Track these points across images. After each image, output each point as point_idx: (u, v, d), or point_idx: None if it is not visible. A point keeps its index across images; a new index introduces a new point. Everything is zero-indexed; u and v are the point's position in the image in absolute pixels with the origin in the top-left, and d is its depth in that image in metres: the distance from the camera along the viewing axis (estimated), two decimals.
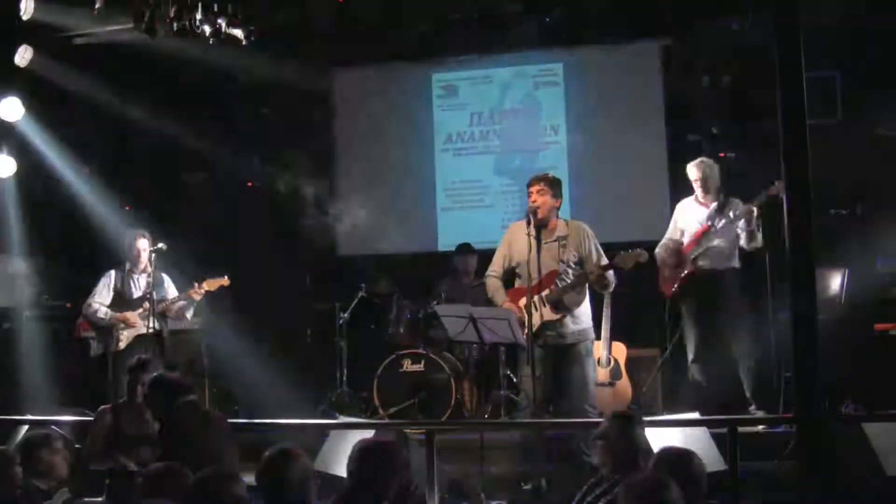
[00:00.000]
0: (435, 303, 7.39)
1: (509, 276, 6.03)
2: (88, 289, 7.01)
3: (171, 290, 7.00)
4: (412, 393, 6.97)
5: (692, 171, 6.51)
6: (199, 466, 3.47)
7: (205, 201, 8.86)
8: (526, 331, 5.51)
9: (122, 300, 6.90)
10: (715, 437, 4.88)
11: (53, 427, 5.19)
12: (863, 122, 7.29)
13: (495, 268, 6.04)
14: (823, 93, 7.43)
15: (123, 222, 7.65)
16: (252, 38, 6.04)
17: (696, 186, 6.49)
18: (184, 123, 7.95)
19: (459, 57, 8.82)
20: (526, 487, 5.60)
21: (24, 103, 7.11)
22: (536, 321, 5.59)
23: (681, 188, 7.12)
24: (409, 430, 5.54)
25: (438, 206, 8.94)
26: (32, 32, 6.85)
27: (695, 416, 5.48)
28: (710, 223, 6.40)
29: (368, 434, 4.69)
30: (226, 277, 6.95)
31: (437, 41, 8.53)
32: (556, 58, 8.74)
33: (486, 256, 6.45)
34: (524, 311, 5.57)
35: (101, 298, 6.89)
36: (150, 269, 6.77)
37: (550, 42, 8.52)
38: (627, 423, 4.03)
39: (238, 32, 5.97)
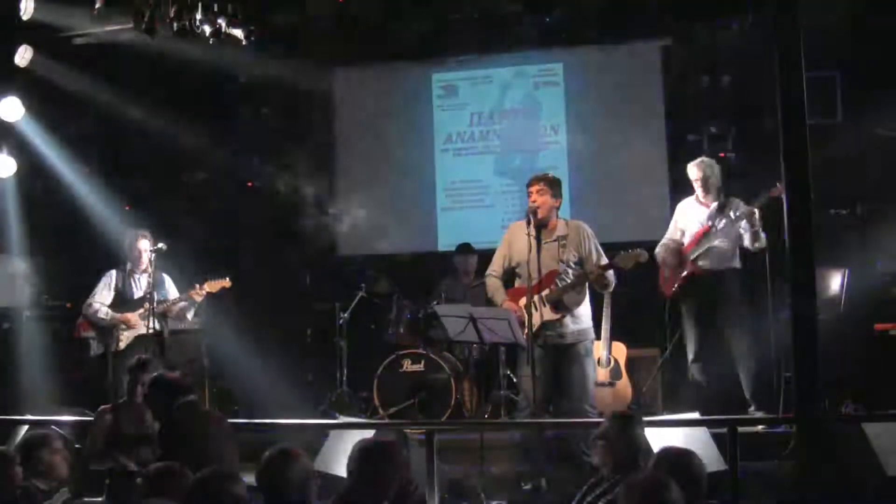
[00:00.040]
0: (435, 303, 7.39)
1: (509, 276, 6.03)
2: (88, 289, 7.01)
3: (171, 291, 7.00)
4: (412, 393, 6.97)
5: (693, 170, 6.51)
6: (199, 466, 3.47)
7: (205, 201, 8.86)
8: (526, 330, 5.51)
9: (122, 300, 6.90)
10: (715, 437, 4.88)
11: (53, 427, 5.19)
12: (863, 122, 7.29)
13: (495, 267, 6.04)
14: (823, 93, 7.43)
15: (123, 222, 7.65)
16: (252, 38, 6.04)
17: (697, 186, 6.49)
18: (184, 123, 7.95)
19: (459, 57, 8.82)
20: (526, 487, 5.61)
21: (24, 103, 7.12)
22: (536, 321, 5.59)
23: (681, 188, 7.12)
24: (409, 430, 5.54)
25: (438, 206, 8.94)
26: (32, 32, 6.85)
27: (695, 416, 5.48)
28: (710, 223, 6.40)
29: (368, 434, 4.69)
30: (227, 279, 6.94)
31: (437, 41, 8.53)
32: (556, 58, 8.75)
33: (486, 256, 6.45)
34: (524, 310, 5.57)
35: (102, 298, 6.89)
36: (150, 270, 6.77)
37: (550, 42, 8.52)
38: (627, 423, 4.04)
39: (238, 32, 5.97)
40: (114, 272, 6.98)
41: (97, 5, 6.05)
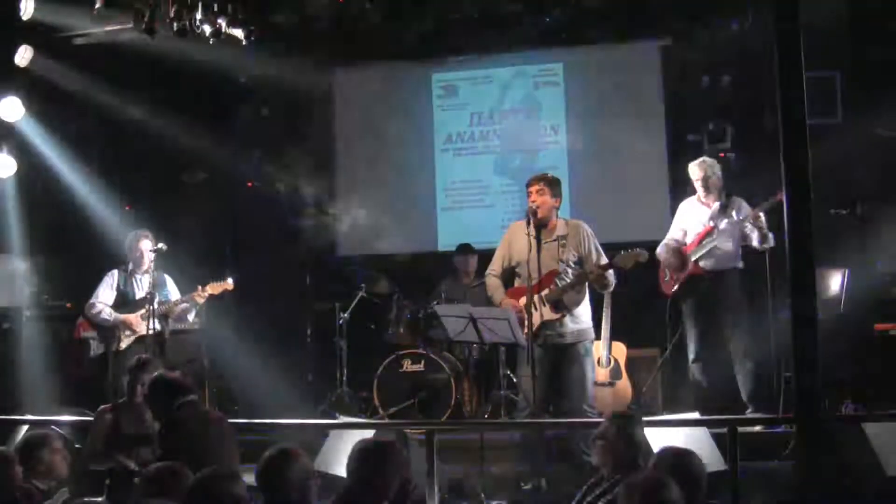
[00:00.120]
0: (435, 303, 7.39)
1: (509, 276, 6.03)
2: (88, 289, 7.01)
3: (172, 291, 7.00)
4: (412, 393, 6.97)
5: (694, 170, 6.50)
6: (199, 466, 3.47)
7: (205, 201, 8.86)
8: (525, 330, 5.51)
9: (124, 301, 6.90)
10: (715, 437, 4.88)
11: (53, 427, 5.19)
12: (863, 122, 7.29)
13: (495, 267, 6.05)
14: (823, 93, 7.43)
15: (123, 222, 7.65)
16: (252, 38, 6.04)
17: (698, 186, 6.48)
18: (184, 123, 7.95)
19: (459, 57, 8.83)
20: (526, 487, 5.61)
21: (24, 103, 7.11)
22: (536, 321, 5.59)
23: (681, 188, 7.12)
24: (409, 430, 5.54)
25: (438, 206, 8.94)
26: (32, 32, 6.85)
27: (695, 416, 5.48)
28: (712, 223, 6.39)
29: (368, 434, 4.69)
30: (230, 281, 6.94)
31: (437, 41, 8.53)
32: (556, 58, 8.75)
33: (486, 256, 6.45)
34: (524, 310, 5.57)
35: (105, 299, 6.90)
36: (151, 270, 6.77)
37: (550, 42, 8.52)
38: (627, 423, 4.04)
39: (238, 32, 5.97)
40: (115, 272, 6.99)
41: (97, 5, 6.05)
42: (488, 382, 7.20)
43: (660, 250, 6.50)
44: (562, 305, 5.75)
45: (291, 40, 7.98)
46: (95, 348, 6.91)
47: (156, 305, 6.62)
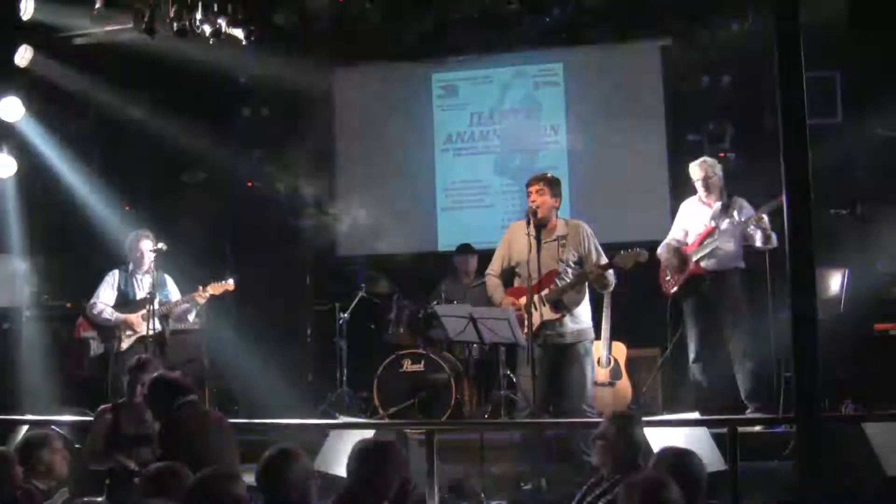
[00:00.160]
0: (435, 303, 7.39)
1: (509, 276, 6.03)
2: (88, 289, 7.01)
3: (173, 291, 7.00)
4: (412, 393, 6.97)
5: (695, 170, 6.50)
6: (199, 466, 3.47)
7: (205, 201, 8.86)
8: (525, 330, 5.51)
9: (124, 301, 6.91)
10: (715, 437, 4.88)
11: (53, 427, 5.19)
12: (863, 122, 7.29)
13: (494, 267, 6.05)
14: (823, 93, 7.43)
15: (123, 222, 7.65)
16: (252, 38, 6.04)
17: (699, 186, 6.48)
18: (184, 123, 7.95)
19: (459, 57, 8.82)
20: (526, 487, 5.60)
21: (24, 103, 7.11)
22: (536, 321, 5.59)
23: (681, 188, 7.12)
24: (409, 430, 5.54)
25: (438, 206, 8.94)
26: (32, 32, 6.85)
27: (695, 416, 5.48)
28: (714, 224, 6.39)
29: (368, 434, 4.69)
30: (231, 281, 6.94)
31: (437, 41, 8.52)
32: (556, 58, 8.75)
33: (486, 256, 6.45)
34: (524, 310, 5.57)
35: (106, 299, 6.90)
36: (152, 270, 6.77)
37: (550, 42, 8.51)
38: (627, 423, 4.04)
39: (238, 32, 5.98)
40: (116, 272, 6.99)
41: (97, 5, 6.07)
42: (488, 382, 7.20)
43: (660, 250, 6.50)
44: (562, 305, 5.75)
45: (291, 40, 7.97)
46: (95, 348, 6.92)
47: (156, 306, 6.62)
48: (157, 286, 6.73)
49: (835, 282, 6.96)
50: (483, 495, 5.37)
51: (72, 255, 8.13)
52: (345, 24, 8.12)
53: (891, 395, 5.96)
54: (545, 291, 5.71)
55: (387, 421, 6.78)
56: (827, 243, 6.67)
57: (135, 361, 5.49)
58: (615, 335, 6.98)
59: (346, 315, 7.77)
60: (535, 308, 5.59)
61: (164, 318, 6.83)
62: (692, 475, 3.41)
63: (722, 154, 7.62)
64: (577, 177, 8.51)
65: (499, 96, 8.87)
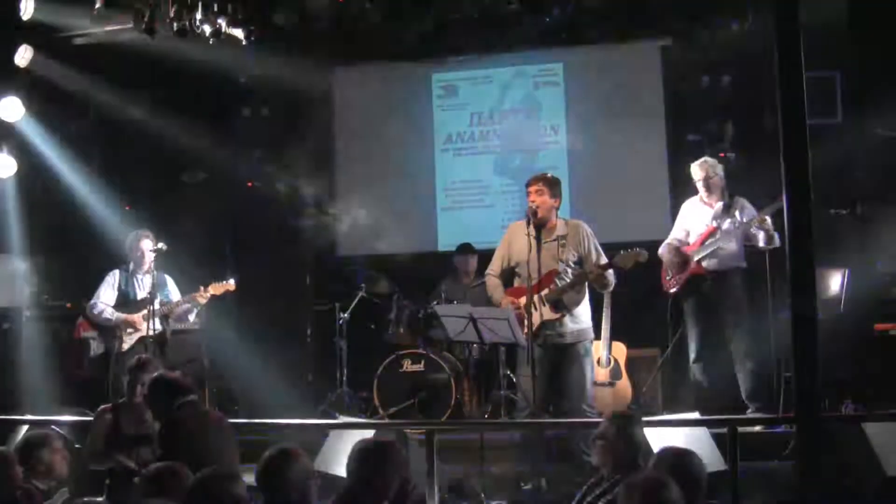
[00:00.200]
0: (435, 303, 7.39)
1: (508, 276, 6.03)
2: (88, 289, 7.01)
3: (173, 292, 7.00)
4: (412, 393, 6.97)
5: (696, 170, 6.50)
6: (199, 466, 3.47)
7: (205, 201, 8.86)
8: (525, 330, 5.51)
9: (125, 300, 6.91)
10: (715, 437, 4.88)
11: (53, 427, 5.19)
12: (863, 122, 7.29)
13: (494, 267, 6.05)
14: (823, 93, 7.43)
15: (123, 222, 7.65)
16: (252, 38, 6.04)
17: (700, 186, 6.48)
18: (184, 123, 7.95)
19: (459, 57, 8.82)
20: (526, 487, 5.60)
21: (24, 103, 7.11)
22: (536, 320, 5.59)
23: (681, 188, 7.13)
24: (409, 430, 5.54)
25: (438, 206, 8.94)
26: (32, 32, 6.85)
27: (695, 416, 5.48)
28: (715, 224, 6.39)
29: (368, 434, 4.69)
30: (231, 282, 6.93)
31: (437, 41, 8.52)
32: (556, 58, 8.75)
33: (486, 256, 6.45)
34: (524, 310, 5.57)
35: (106, 298, 6.90)
36: (152, 270, 6.76)
37: (550, 42, 8.51)
38: (627, 423, 4.04)
39: (238, 32, 5.98)
40: (116, 272, 6.99)
41: (97, 5, 6.07)
42: (488, 382, 7.20)
43: (662, 250, 6.50)
44: (562, 305, 5.75)
45: (291, 40, 7.97)
46: (95, 348, 6.92)
47: (157, 306, 6.62)
48: (158, 286, 6.74)
49: (835, 282, 6.96)
50: (483, 495, 5.37)
51: (72, 255, 8.13)
52: (345, 24, 8.13)
53: (891, 395, 5.96)
54: (545, 291, 5.71)
55: (387, 421, 6.78)
56: (827, 243, 6.67)
57: (135, 361, 5.49)
58: (615, 335, 6.98)
59: (346, 315, 7.77)
60: (535, 308, 5.59)
61: (164, 318, 6.84)
62: (692, 475, 3.41)
63: (722, 154, 7.62)
64: (577, 177, 8.51)
65: (499, 96, 8.87)
